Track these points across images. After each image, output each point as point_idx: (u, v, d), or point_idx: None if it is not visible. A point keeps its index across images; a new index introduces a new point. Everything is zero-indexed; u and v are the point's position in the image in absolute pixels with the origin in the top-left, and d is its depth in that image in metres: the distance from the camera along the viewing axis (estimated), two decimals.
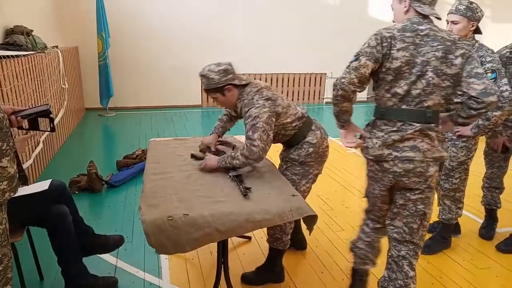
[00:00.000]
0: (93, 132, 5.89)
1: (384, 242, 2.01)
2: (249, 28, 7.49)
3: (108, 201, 3.42)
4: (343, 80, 1.67)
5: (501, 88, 2.15)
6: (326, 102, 8.46)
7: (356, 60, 1.67)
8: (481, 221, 3.09)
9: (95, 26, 6.23)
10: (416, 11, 1.69)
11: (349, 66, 1.68)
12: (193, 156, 2.29)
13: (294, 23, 7.69)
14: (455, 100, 2.03)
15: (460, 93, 1.75)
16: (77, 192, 3.46)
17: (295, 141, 2.22)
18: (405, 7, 1.71)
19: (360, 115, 7.56)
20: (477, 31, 2.34)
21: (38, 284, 2.27)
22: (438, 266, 2.54)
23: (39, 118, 1.79)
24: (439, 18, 1.70)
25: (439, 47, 1.62)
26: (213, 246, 2.27)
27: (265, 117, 2.02)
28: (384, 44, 1.64)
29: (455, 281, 2.40)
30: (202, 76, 2.19)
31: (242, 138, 2.51)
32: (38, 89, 4.00)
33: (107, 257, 2.52)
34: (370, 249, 2.03)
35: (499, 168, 2.83)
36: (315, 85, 8.31)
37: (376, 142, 1.74)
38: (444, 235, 2.71)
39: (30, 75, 3.78)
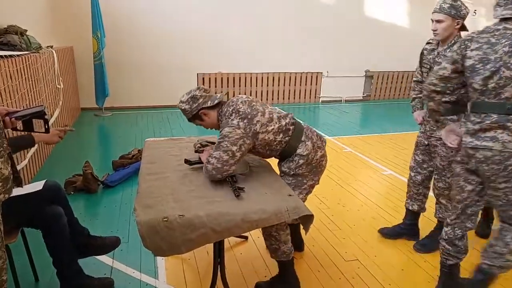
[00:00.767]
0: (89, 132, 5.86)
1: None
2: (246, 28, 7.48)
3: (104, 202, 3.40)
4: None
5: None
6: (322, 101, 8.47)
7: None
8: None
9: (90, 25, 6.20)
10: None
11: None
12: (186, 161, 2.20)
13: (290, 23, 7.69)
14: None
15: None
16: (72, 193, 3.44)
17: (287, 155, 2.17)
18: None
19: (356, 114, 7.59)
20: (463, 28, 2.34)
21: (33, 286, 2.25)
22: (435, 264, 2.54)
23: (33, 120, 1.77)
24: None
25: (506, 43, 1.73)
26: (210, 246, 2.26)
27: (234, 138, 1.96)
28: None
29: None
30: (180, 109, 2.18)
31: None
32: (33, 89, 3.98)
33: (103, 258, 2.51)
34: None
35: None
36: (311, 84, 8.31)
37: (464, 130, 1.91)
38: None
39: (25, 75, 3.75)
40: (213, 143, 2.40)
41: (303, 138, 2.16)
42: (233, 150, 1.95)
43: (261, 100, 2.19)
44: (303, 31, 7.82)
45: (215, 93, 2.31)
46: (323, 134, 5.80)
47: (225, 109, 2.09)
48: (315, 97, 8.45)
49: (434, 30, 2.33)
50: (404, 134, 5.79)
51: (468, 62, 1.83)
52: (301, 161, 2.14)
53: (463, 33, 2.32)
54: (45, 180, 2.13)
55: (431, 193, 2.73)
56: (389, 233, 2.86)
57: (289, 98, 8.26)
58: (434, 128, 2.46)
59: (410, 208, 2.80)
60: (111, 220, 3.05)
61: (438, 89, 1.95)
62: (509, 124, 1.76)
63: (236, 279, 2.33)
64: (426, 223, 2.93)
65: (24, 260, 2.23)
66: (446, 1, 2.30)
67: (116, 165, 4.03)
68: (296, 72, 8.10)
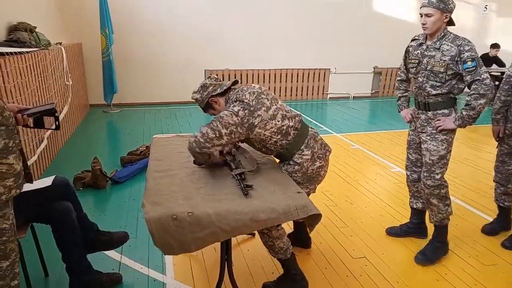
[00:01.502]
0: (97, 128, 5.90)
1: None
2: (253, 24, 7.46)
3: (112, 197, 3.43)
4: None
5: (482, 76, 2.21)
6: (330, 98, 8.43)
7: None
8: (487, 217, 3.07)
9: (98, 22, 6.22)
10: None
11: None
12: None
13: (298, 19, 7.66)
14: None
15: None
16: (81, 189, 3.47)
17: (284, 158, 2.16)
18: None
19: (364, 110, 7.54)
20: (450, 22, 2.34)
21: (43, 280, 2.28)
22: (444, 262, 2.53)
23: (44, 116, 1.79)
24: None
25: None
26: (217, 243, 2.27)
27: (227, 122, 1.93)
28: None
29: (460, 278, 2.38)
30: (193, 100, 2.21)
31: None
32: (42, 85, 4.01)
33: (111, 253, 2.53)
34: None
35: (502, 163, 2.79)
36: (318, 81, 8.27)
37: None
38: (440, 238, 2.56)
39: (34, 71, 3.78)
40: None
41: (302, 147, 2.10)
42: (221, 132, 1.93)
43: None
44: (312, 28, 7.77)
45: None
46: (331, 131, 5.78)
47: (232, 96, 2.08)
48: (323, 94, 8.41)
49: (423, 24, 2.33)
50: None
51: None
52: (296, 167, 2.10)
53: (450, 28, 2.36)
54: (54, 176, 2.14)
55: None
56: (396, 233, 2.83)
57: (296, 95, 8.23)
58: (425, 124, 2.45)
59: (415, 206, 2.76)
60: (119, 216, 3.07)
61: None
62: None
63: (243, 276, 2.33)
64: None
65: (34, 255, 2.26)
66: None
67: (125, 161, 4.05)
68: (304, 68, 8.07)
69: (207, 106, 2.17)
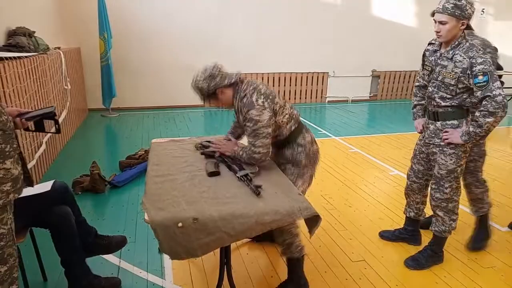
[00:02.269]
0: (96, 132, 5.90)
1: None
2: (251, 27, 7.48)
3: (111, 202, 3.42)
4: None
5: (493, 92, 2.02)
6: (329, 101, 8.45)
7: None
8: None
9: (97, 27, 6.24)
10: None
11: None
12: (202, 147, 2.33)
13: (296, 22, 7.68)
14: None
15: None
16: (80, 193, 3.46)
17: (286, 142, 2.22)
18: None
19: (363, 114, 7.56)
20: (468, 27, 2.20)
21: (42, 285, 2.27)
22: (443, 265, 2.53)
23: (44, 120, 1.80)
24: None
25: None
26: None
27: (266, 120, 2.01)
28: None
29: (459, 280, 2.38)
30: (193, 88, 2.18)
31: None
32: (41, 90, 4.01)
33: (110, 257, 2.53)
34: None
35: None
36: (317, 84, 8.29)
37: None
38: (435, 249, 2.52)
39: (33, 76, 3.78)
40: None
41: (303, 130, 2.26)
42: (269, 132, 2.03)
43: None
44: (310, 31, 7.80)
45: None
46: (330, 135, 5.79)
47: (244, 87, 2.12)
48: (321, 97, 8.43)
49: (437, 32, 2.16)
50: (411, 134, 5.75)
51: None
52: (300, 149, 2.20)
53: (467, 32, 2.22)
54: (53, 181, 2.14)
55: None
56: (388, 237, 2.83)
57: (295, 98, 8.24)
58: (433, 135, 2.34)
59: (408, 215, 2.74)
60: (118, 220, 3.06)
61: None
62: None
63: (242, 279, 2.33)
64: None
65: (33, 260, 2.25)
66: (450, 1, 2.10)
67: (123, 165, 4.05)
68: (302, 72, 8.09)
69: (211, 96, 2.15)
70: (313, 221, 1.81)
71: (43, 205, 1.99)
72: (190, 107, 7.48)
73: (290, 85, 8.11)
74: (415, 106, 2.63)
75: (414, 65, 8.51)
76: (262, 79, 7.85)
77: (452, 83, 2.18)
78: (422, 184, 2.59)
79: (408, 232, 2.77)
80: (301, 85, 8.20)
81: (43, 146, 3.89)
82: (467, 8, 2.09)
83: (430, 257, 2.52)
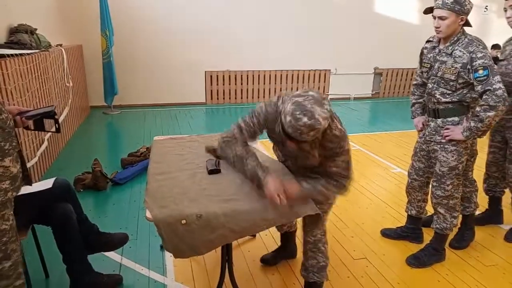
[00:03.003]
0: (98, 130, 5.90)
1: None
2: (252, 25, 7.46)
3: (113, 199, 3.43)
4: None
5: (494, 86, 2.04)
6: (331, 99, 8.43)
7: None
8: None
9: (98, 24, 6.23)
10: None
11: None
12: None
13: (298, 20, 7.65)
14: None
15: None
16: (82, 190, 3.47)
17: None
18: None
19: (365, 111, 7.54)
20: (466, 23, 2.18)
21: (44, 282, 2.28)
22: (445, 263, 2.52)
23: (44, 119, 1.80)
24: None
25: None
26: None
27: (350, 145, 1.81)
28: None
29: (461, 278, 2.38)
30: (315, 130, 1.49)
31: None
32: (42, 87, 4.01)
33: (112, 254, 2.53)
34: None
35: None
36: (319, 82, 8.27)
37: None
38: (437, 247, 2.51)
39: (34, 73, 3.78)
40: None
41: None
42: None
43: (269, 98, 2.11)
44: (312, 29, 7.77)
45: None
46: None
47: None
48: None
49: (436, 28, 2.17)
50: (414, 132, 5.71)
51: None
52: None
53: (466, 29, 2.21)
54: (55, 178, 2.15)
55: None
56: (391, 235, 2.82)
57: None
58: (434, 132, 2.34)
59: (409, 213, 2.74)
60: (120, 218, 3.07)
61: None
62: None
63: (244, 277, 2.33)
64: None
65: (35, 257, 2.26)
66: None
67: (125, 162, 4.05)
68: (304, 69, 8.06)
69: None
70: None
71: (45, 202, 2.00)
72: (192, 104, 7.48)
73: (292, 83, 8.09)
74: (413, 104, 2.63)
75: (416, 63, 8.43)
76: (264, 77, 7.83)
77: (452, 78, 2.18)
78: (423, 181, 2.59)
79: (409, 230, 2.77)
80: (303, 82, 8.17)
81: (45, 144, 3.90)
82: (466, 3, 2.12)
83: (432, 255, 2.51)
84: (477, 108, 2.13)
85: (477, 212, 2.82)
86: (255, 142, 2.01)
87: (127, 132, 5.68)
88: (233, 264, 2.09)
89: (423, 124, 2.49)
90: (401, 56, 8.47)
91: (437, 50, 2.29)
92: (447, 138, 2.27)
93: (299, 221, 2.18)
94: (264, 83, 7.88)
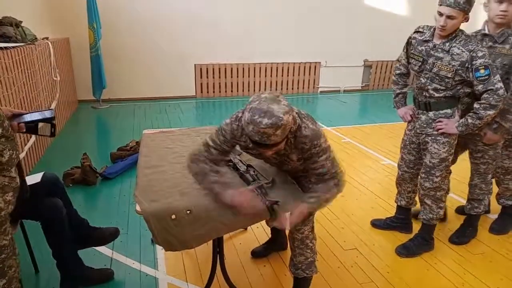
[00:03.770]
0: (86, 124, 5.84)
1: None
2: (242, 17, 7.41)
3: (102, 194, 3.40)
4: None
5: (496, 86, 2.03)
6: (321, 91, 8.44)
7: None
8: None
9: (86, 17, 6.13)
10: None
11: None
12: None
13: (288, 12, 7.63)
14: None
15: None
16: (71, 185, 3.43)
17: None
18: None
19: (355, 104, 7.57)
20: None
21: (34, 277, 2.26)
22: (433, 252, 2.56)
23: (39, 122, 1.74)
24: None
25: None
26: None
27: (328, 142, 1.73)
28: None
29: (450, 267, 2.42)
30: (279, 127, 1.41)
31: None
32: (29, 81, 3.95)
33: (102, 249, 2.52)
34: None
35: None
36: (309, 74, 8.28)
37: None
38: (425, 236, 2.54)
39: (20, 67, 3.72)
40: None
41: None
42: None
43: (259, 91, 2.06)
44: (302, 21, 7.75)
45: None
46: (322, 125, 5.79)
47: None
48: (313, 87, 8.41)
49: (442, 26, 2.07)
50: (403, 124, 5.78)
51: None
52: None
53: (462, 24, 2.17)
54: (43, 173, 2.12)
55: None
56: (380, 226, 2.85)
57: (287, 88, 8.22)
58: (425, 125, 2.34)
59: (399, 203, 2.76)
60: (110, 212, 3.05)
61: None
62: None
63: (235, 269, 2.34)
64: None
65: (24, 252, 2.23)
66: None
67: (114, 157, 4.02)
68: (294, 62, 8.05)
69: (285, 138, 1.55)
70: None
71: (33, 197, 1.97)
72: (181, 98, 7.43)
73: (282, 76, 8.08)
74: (397, 94, 2.61)
75: None
76: (255, 70, 7.81)
77: (449, 75, 2.15)
78: (413, 173, 2.61)
79: (399, 221, 2.80)
80: (293, 75, 8.17)
81: (33, 138, 3.84)
82: (473, 1, 2.05)
83: (421, 244, 2.55)
84: (476, 106, 2.12)
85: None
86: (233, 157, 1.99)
87: (116, 126, 5.62)
88: (225, 256, 2.10)
89: (410, 116, 2.49)
90: (391, 48, 8.45)
91: (431, 45, 2.22)
92: (440, 131, 2.27)
93: None
94: (254, 76, 7.85)
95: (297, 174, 1.91)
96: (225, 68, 7.61)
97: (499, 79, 2.06)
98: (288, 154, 1.70)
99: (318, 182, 1.73)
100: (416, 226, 2.72)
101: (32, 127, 1.71)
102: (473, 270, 2.39)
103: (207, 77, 7.57)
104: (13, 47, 3.60)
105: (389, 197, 3.34)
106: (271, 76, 7.98)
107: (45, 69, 4.59)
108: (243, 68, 7.74)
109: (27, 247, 2.24)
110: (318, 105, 7.43)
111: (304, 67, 8.18)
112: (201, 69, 7.47)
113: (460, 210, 3.01)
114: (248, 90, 7.88)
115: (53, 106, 4.75)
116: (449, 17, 2.04)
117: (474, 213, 2.68)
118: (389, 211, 3.07)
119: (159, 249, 2.54)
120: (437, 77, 2.21)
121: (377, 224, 2.87)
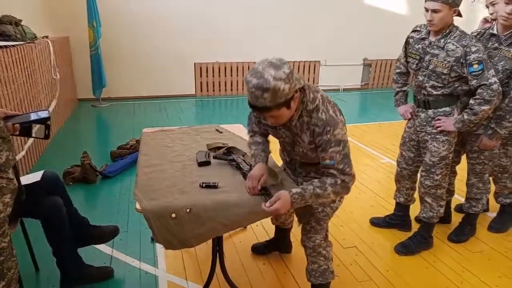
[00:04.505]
0: (86, 122, 5.84)
1: None
2: (242, 16, 7.40)
3: (102, 192, 3.41)
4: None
5: (489, 80, 2.04)
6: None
7: None
8: None
9: (85, 15, 6.13)
10: None
11: None
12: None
13: (288, 11, 7.62)
14: None
15: None
16: (71, 184, 3.44)
17: None
18: None
19: (354, 102, 7.57)
20: (457, 14, 2.15)
21: (34, 275, 2.27)
22: (432, 250, 2.57)
23: (33, 124, 1.73)
24: None
25: None
26: None
27: (347, 138, 1.64)
28: None
29: (449, 265, 2.43)
30: (265, 89, 1.40)
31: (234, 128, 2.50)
32: (29, 80, 3.95)
33: (102, 247, 2.53)
34: None
35: None
36: (309, 73, 8.27)
37: None
38: (424, 234, 2.56)
39: (20, 66, 3.72)
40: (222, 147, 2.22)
41: None
42: (349, 154, 1.64)
43: None
44: (301, 20, 7.74)
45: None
46: None
47: (313, 95, 1.62)
48: None
49: (429, 21, 2.12)
50: (403, 122, 5.78)
51: None
52: None
53: (457, 19, 2.19)
54: (43, 171, 2.12)
55: None
56: (379, 224, 2.86)
57: None
58: (424, 123, 2.35)
59: (397, 200, 2.77)
60: (110, 210, 3.05)
61: None
62: None
63: (235, 267, 2.35)
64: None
65: (24, 250, 2.24)
66: None
67: (114, 155, 4.02)
68: (294, 60, 8.05)
69: (285, 104, 1.49)
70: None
71: (33, 196, 1.97)
72: (181, 96, 7.43)
73: None
74: (397, 92, 2.64)
75: None
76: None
77: (445, 72, 2.16)
78: (412, 170, 2.62)
79: (398, 218, 2.81)
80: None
81: (32, 137, 3.84)
82: None
83: (420, 242, 2.56)
84: (471, 101, 2.13)
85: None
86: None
87: (116, 125, 5.63)
88: (224, 255, 2.10)
89: (410, 114, 2.50)
90: (390, 47, 8.47)
91: (427, 42, 2.25)
92: (438, 129, 2.28)
93: (294, 219, 2.17)
94: None
95: (307, 162, 1.84)
96: (225, 67, 7.61)
97: (494, 74, 2.06)
98: (300, 135, 1.68)
99: (321, 175, 1.69)
100: (415, 224, 2.74)
101: (26, 128, 1.69)
102: (472, 268, 2.40)
103: (207, 76, 7.57)
104: (12, 45, 3.60)
105: (388, 195, 3.35)
106: None
107: (44, 67, 4.59)
108: (243, 67, 7.74)
109: (27, 246, 2.25)
110: None
111: (304, 65, 8.18)
112: (200, 67, 7.46)
113: (459, 209, 3.02)
114: None
115: (53, 104, 4.76)
116: (434, 11, 2.09)
117: (473, 212, 2.68)
118: (388, 209, 3.07)
119: (159, 247, 2.54)
120: (434, 74, 2.22)
121: (376, 222, 2.88)
